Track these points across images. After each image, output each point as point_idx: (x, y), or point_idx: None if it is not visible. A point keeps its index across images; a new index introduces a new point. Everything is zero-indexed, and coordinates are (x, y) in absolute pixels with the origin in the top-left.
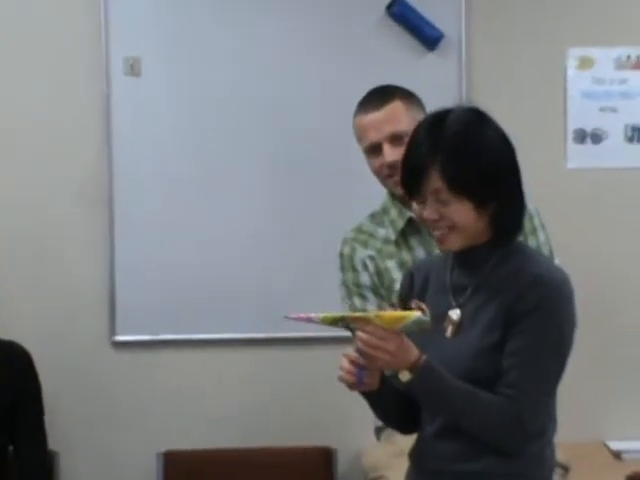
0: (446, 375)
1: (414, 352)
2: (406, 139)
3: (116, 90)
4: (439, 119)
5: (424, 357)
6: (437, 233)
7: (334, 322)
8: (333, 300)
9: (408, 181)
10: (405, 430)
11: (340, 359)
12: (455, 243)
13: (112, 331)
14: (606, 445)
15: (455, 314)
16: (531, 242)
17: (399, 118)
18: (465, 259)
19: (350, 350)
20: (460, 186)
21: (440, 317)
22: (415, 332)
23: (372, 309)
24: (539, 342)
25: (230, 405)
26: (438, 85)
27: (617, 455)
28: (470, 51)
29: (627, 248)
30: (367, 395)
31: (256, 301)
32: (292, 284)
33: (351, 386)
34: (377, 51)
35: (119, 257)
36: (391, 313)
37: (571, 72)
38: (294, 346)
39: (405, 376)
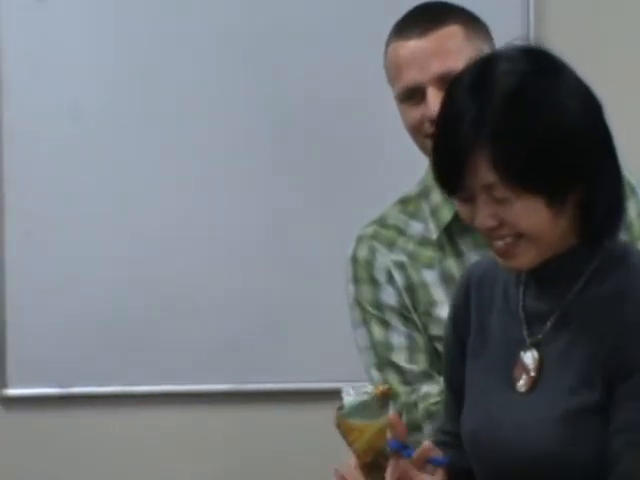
0: None
1: None
2: None
3: (8, 21)
4: (483, 72)
5: None
6: (499, 244)
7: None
8: (329, 343)
9: (444, 173)
10: None
11: None
12: (526, 258)
13: (1, 383)
14: None
15: (531, 358)
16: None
17: (455, 50)
18: (544, 273)
19: (352, 471)
20: (521, 178)
21: (508, 360)
22: None
23: (400, 342)
24: None
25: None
26: (496, 16)
27: None
28: None
29: None
30: None
31: (218, 338)
32: (274, 310)
33: None
34: None
35: (10, 274)
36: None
37: None
38: (266, 402)
39: None
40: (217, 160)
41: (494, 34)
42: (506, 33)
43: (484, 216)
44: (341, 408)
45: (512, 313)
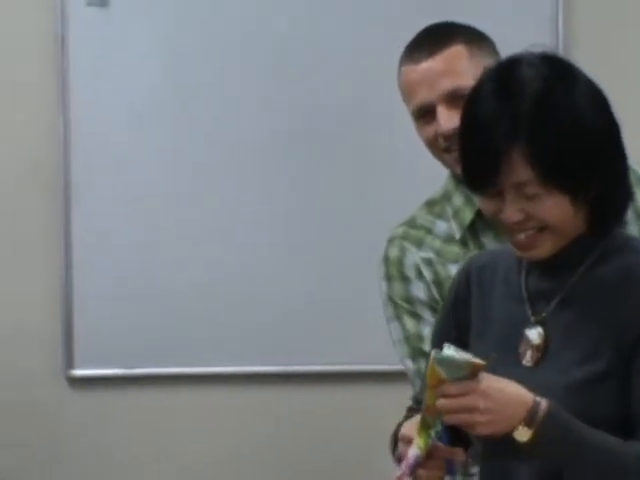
0: (578, 423)
1: (523, 398)
2: None
3: (74, 27)
4: (507, 78)
5: (544, 403)
6: (521, 237)
7: (426, 437)
8: (367, 327)
9: (475, 172)
10: None
11: (404, 448)
12: (546, 248)
13: (68, 364)
14: None
15: (535, 334)
16: (632, 229)
17: (460, 69)
18: (549, 259)
19: (413, 449)
20: (555, 175)
21: (513, 338)
22: (465, 376)
23: (429, 333)
24: None
25: (230, 463)
26: (526, 15)
27: None
28: None
29: None
30: None
31: (262, 325)
32: (308, 301)
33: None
34: None
35: (77, 262)
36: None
37: None
38: (309, 383)
39: (523, 435)
40: (270, 160)
41: (524, 38)
42: (536, 36)
43: (513, 211)
44: (438, 353)
45: (514, 295)
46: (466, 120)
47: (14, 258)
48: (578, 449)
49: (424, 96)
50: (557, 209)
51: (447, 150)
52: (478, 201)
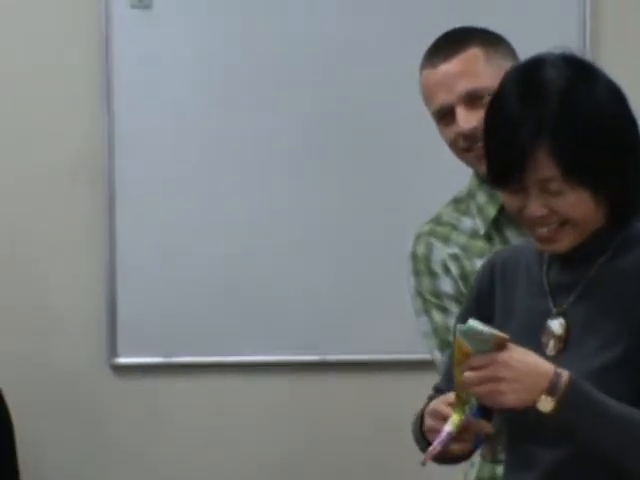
0: (600, 394)
1: (546, 368)
2: (487, 99)
3: (119, 29)
4: (532, 79)
5: (566, 373)
6: (543, 231)
7: (461, 413)
8: (399, 313)
9: (501, 169)
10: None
11: (430, 422)
12: (567, 242)
13: (112, 352)
14: None
15: (557, 324)
16: None
17: (477, 71)
18: (570, 251)
19: (437, 404)
20: (579, 172)
21: (535, 329)
22: (490, 349)
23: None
24: None
25: (270, 450)
26: (554, 16)
27: None
28: None
29: None
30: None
31: (302, 314)
32: (344, 292)
33: (462, 457)
34: None
35: (121, 256)
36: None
37: None
38: (356, 372)
39: (547, 405)
40: (297, 160)
41: (549, 38)
42: (563, 35)
43: (537, 206)
44: (463, 325)
45: (537, 288)
46: (491, 119)
47: (60, 251)
48: (603, 419)
49: (443, 98)
50: (579, 204)
51: (468, 150)
52: (502, 197)
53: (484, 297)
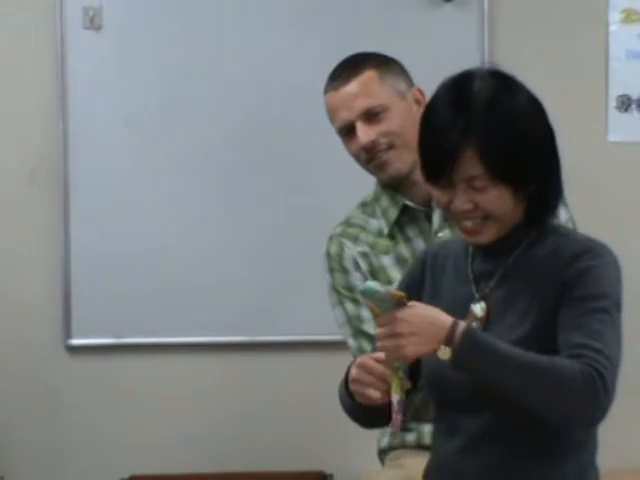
0: (496, 341)
1: (442, 320)
2: (383, 114)
3: (72, 48)
4: (462, 90)
5: (462, 324)
6: (468, 224)
7: (398, 380)
8: (322, 298)
9: (434, 168)
10: (372, 426)
11: (355, 371)
12: (489, 234)
13: (66, 334)
14: None
15: (479, 308)
16: None
17: (372, 91)
18: (490, 244)
19: (365, 358)
20: (501, 171)
21: (461, 312)
22: (392, 307)
23: (368, 316)
24: (590, 305)
25: (207, 421)
26: (456, 43)
27: None
28: (494, 1)
29: None
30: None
31: (238, 301)
32: (278, 279)
33: (375, 399)
34: (384, 2)
35: (75, 248)
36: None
37: (614, 27)
38: (282, 353)
39: (445, 353)
40: (230, 165)
41: (454, 57)
42: (466, 54)
43: (463, 201)
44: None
45: (462, 277)
46: (425, 124)
47: (20, 243)
48: (499, 362)
49: (344, 116)
50: (501, 200)
51: (369, 160)
52: (432, 192)
53: (414, 284)
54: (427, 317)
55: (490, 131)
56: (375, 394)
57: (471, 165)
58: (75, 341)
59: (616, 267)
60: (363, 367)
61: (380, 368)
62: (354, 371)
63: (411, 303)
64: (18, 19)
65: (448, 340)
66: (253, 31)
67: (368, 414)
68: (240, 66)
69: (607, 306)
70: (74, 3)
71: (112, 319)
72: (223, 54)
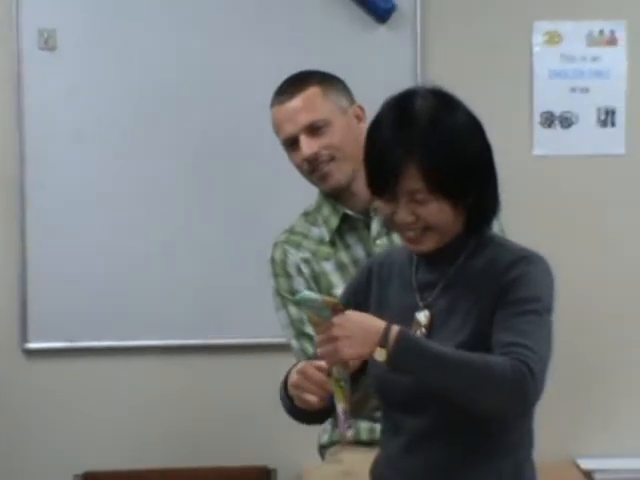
0: (429, 342)
1: (376, 325)
2: (325, 128)
3: (28, 67)
4: (404, 108)
5: (395, 328)
6: (410, 234)
7: (340, 390)
8: (270, 304)
9: (378, 181)
10: (311, 423)
11: (296, 377)
12: (430, 244)
13: (23, 337)
14: (576, 463)
15: (423, 316)
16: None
17: (315, 106)
18: (432, 254)
19: (305, 365)
20: (440, 185)
21: (406, 320)
22: (329, 314)
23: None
24: (523, 307)
25: (156, 420)
26: (390, 63)
27: (588, 475)
28: (426, 24)
29: (597, 242)
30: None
31: (187, 305)
32: (224, 284)
33: (313, 404)
34: (322, 25)
35: (31, 254)
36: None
37: (538, 48)
38: (228, 354)
39: (381, 355)
40: (189, 174)
41: (389, 77)
42: (400, 75)
43: (405, 213)
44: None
45: (407, 286)
46: (370, 141)
47: None
48: (432, 362)
49: (289, 129)
50: (441, 213)
51: (312, 172)
52: (377, 204)
53: (360, 292)
54: (361, 322)
55: (431, 148)
56: (312, 399)
57: (413, 180)
58: (32, 345)
59: (548, 273)
60: (303, 373)
61: (319, 375)
62: (294, 376)
63: (348, 311)
64: None
65: (382, 342)
66: (203, 49)
67: (306, 414)
68: (193, 83)
69: (537, 308)
70: (29, 25)
71: (67, 323)
72: (173, 72)
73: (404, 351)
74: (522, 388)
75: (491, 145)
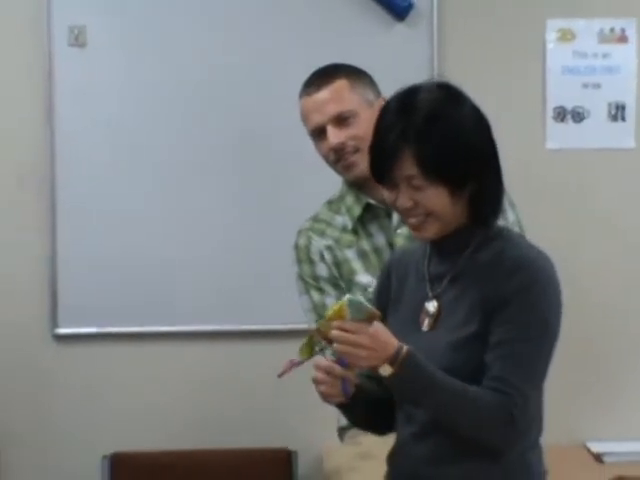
0: (431, 367)
1: (393, 343)
2: (352, 119)
3: (59, 63)
4: (408, 99)
5: (405, 348)
6: (412, 221)
7: (310, 350)
8: (289, 292)
9: (377, 167)
10: (380, 432)
11: (314, 371)
12: (432, 231)
13: (54, 323)
14: (586, 447)
15: (432, 306)
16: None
17: (343, 97)
18: (442, 246)
19: (321, 359)
20: (435, 172)
21: (417, 309)
22: (363, 319)
23: (332, 302)
24: (522, 332)
25: (183, 403)
26: (408, 59)
27: (598, 458)
28: (442, 22)
29: (609, 234)
30: (342, 404)
31: (211, 292)
32: (247, 273)
33: (332, 398)
34: (341, 23)
35: (61, 244)
36: (331, 309)
37: (551, 45)
38: (252, 340)
39: (386, 370)
40: (210, 166)
41: (406, 73)
42: (417, 70)
43: (404, 199)
44: (352, 296)
45: (420, 278)
46: (375, 130)
47: (10, 237)
48: (429, 385)
49: (316, 120)
50: (437, 199)
51: (337, 161)
52: (382, 191)
53: (384, 290)
54: (385, 338)
55: (426, 135)
56: (325, 389)
57: (407, 166)
58: (62, 330)
59: (554, 285)
60: (329, 373)
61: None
62: (318, 374)
63: (377, 323)
64: (9, 37)
65: (391, 360)
66: (232, 46)
67: (352, 411)
68: (218, 78)
69: (540, 336)
70: (60, 22)
71: (96, 309)
72: (200, 67)
73: (407, 371)
74: (505, 430)
75: (493, 138)
